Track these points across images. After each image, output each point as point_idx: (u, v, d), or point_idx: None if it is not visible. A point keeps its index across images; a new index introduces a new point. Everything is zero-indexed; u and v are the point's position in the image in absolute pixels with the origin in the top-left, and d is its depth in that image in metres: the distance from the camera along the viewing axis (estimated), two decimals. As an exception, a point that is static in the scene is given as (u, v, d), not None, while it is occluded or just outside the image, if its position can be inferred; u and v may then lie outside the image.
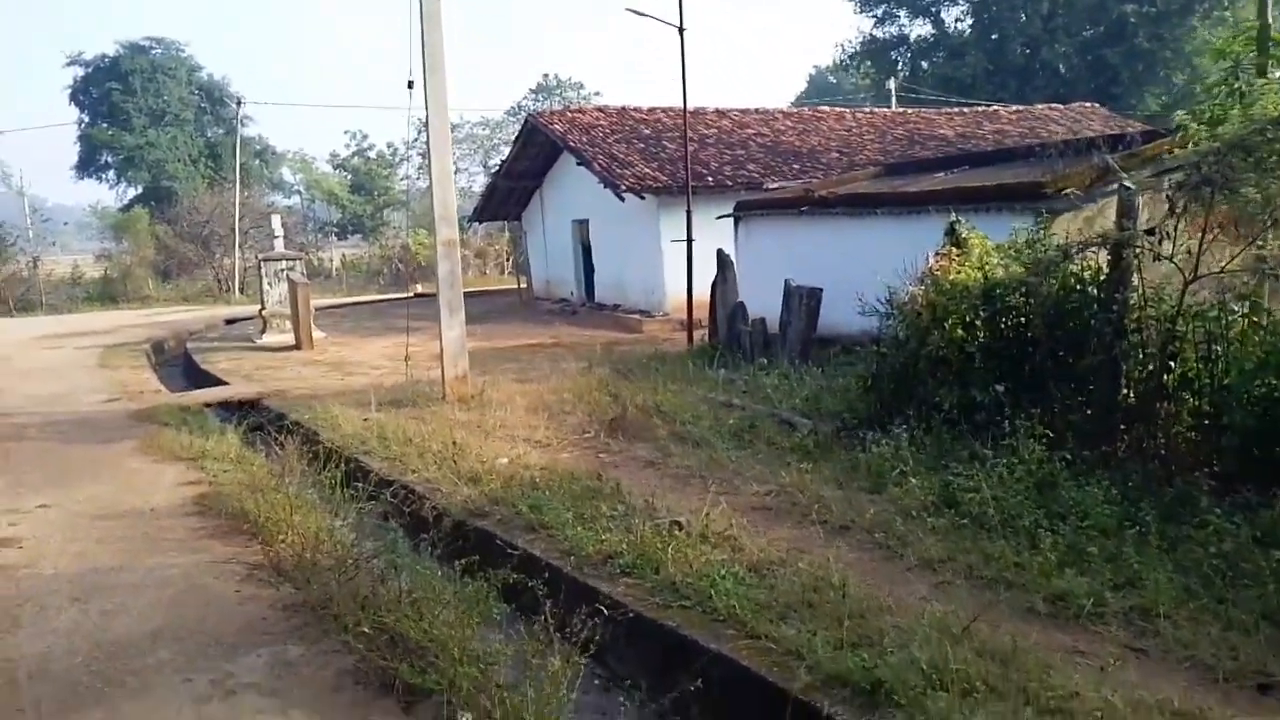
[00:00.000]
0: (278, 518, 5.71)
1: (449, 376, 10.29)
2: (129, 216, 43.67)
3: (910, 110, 28.22)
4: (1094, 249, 6.71)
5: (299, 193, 60.63)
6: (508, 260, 39.66)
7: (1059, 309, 6.78)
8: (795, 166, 21.02)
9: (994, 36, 44.98)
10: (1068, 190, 8.75)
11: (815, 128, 24.46)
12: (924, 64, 48.09)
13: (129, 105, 49.19)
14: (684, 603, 4.58)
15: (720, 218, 15.44)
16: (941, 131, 25.41)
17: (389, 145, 61.04)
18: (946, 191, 11.20)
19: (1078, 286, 6.70)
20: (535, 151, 23.85)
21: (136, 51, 50.57)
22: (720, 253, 13.05)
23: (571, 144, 20.71)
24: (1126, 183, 6.51)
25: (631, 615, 4.53)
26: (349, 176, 58.25)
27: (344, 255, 48.40)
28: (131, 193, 51.39)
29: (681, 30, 14.11)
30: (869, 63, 49.38)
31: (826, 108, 27.12)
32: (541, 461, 7.33)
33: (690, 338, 14.69)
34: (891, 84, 40.17)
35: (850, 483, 6.28)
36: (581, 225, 23.52)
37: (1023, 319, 7.05)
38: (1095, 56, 41.92)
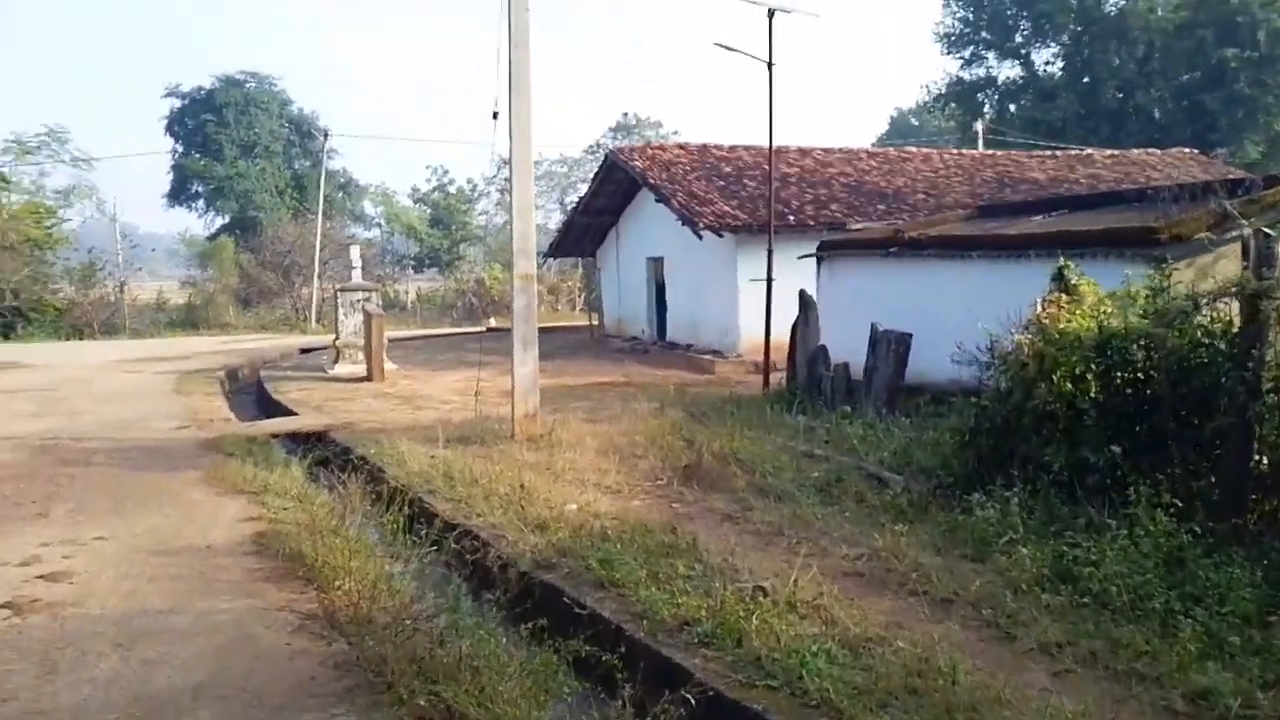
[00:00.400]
0: (336, 563, 5.39)
1: (519, 414, 9.97)
2: (215, 245, 44.85)
3: (999, 152, 27.45)
4: (1225, 300, 6.09)
5: (379, 225, 61.73)
6: (579, 296, 39.63)
7: (1184, 365, 6.16)
8: (880, 207, 20.46)
9: (1085, 80, 43.89)
10: (1201, 235, 8.09)
11: (901, 168, 23.89)
12: (1012, 106, 47.16)
13: (221, 137, 50.79)
14: (770, 682, 4.09)
15: (802, 257, 14.97)
16: (1033, 174, 24.61)
17: (469, 181, 61.85)
18: (1049, 235, 10.58)
19: (1206, 340, 6.08)
20: (614, 188, 23.72)
21: (231, 85, 52.30)
22: (803, 293, 12.58)
23: (651, 180, 20.49)
24: (1267, 229, 5.90)
25: (710, 693, 4.06)
26: (428, 211, 59.12)
27: (419, 288, 48.98)
28: (219, 222, 52.90)
29: (770, 65, 13.79)
30: (954, 105, 48.59)
31: (913, 148, 26.55)
32: (612, 510, 6.92)
33: (766, 381, 14.20)
34: (979, 126, 39.32)
35: (951, 549, 5.72)
36: (656, 263, 23.25)
37: (1141, 374, 6.44)
38: (1192, 101, 40.53)
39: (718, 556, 5.59)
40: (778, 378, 14.72)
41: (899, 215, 19.90)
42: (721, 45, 14.60)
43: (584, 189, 67.48)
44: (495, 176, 63.44)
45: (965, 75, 48.03)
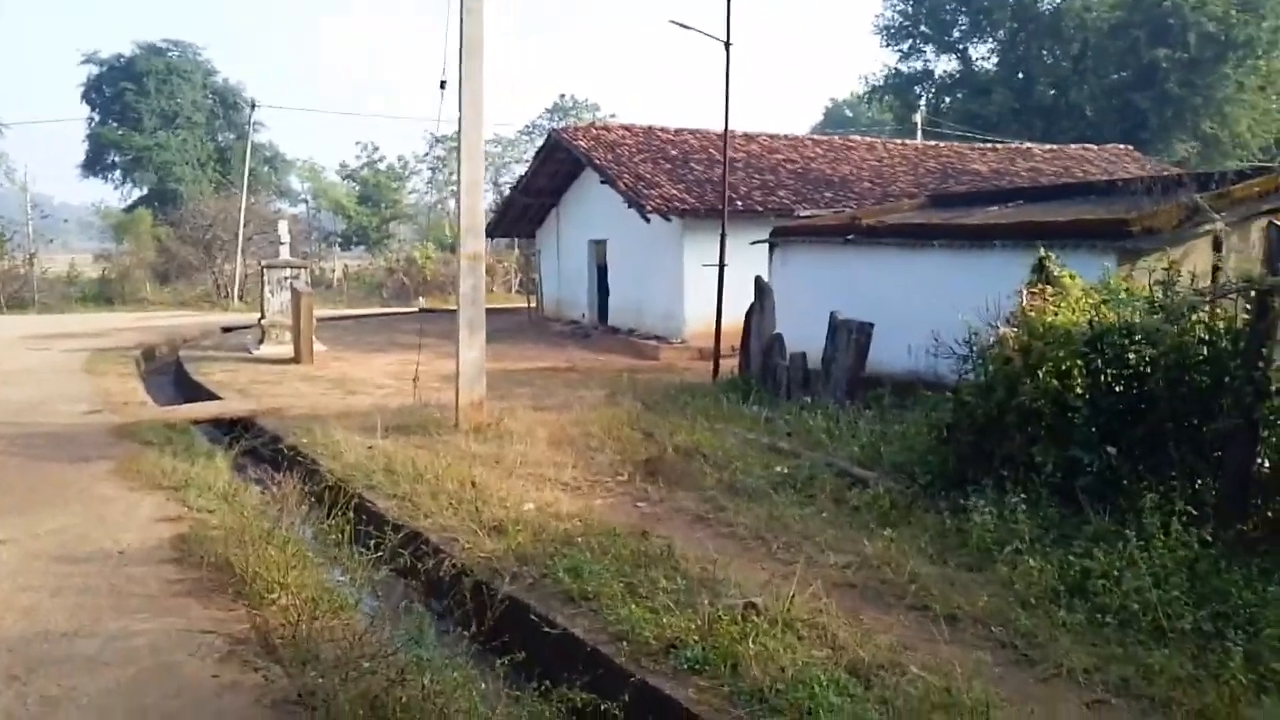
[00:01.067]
0: (269, 574, 4.75)
1: (464, 402, 9.34)
2: (132, 217, 42.88)
3: (941, 144, 27.45)
4: (1232, 295, 5.79)
5: (305, 201, 59.75)
6: (515, 278, 38.79)
7: (1184, 362, 5.85)
8: (827, 194, 20.17)
9: (1020, 75, 44.44)
10: (1208, 226, 7.83)
11: (846, 156, 23.66)
12: (947, 100, 47.53)
13: (141, 106, 48.57)
14: (777, 720, 3.61)
15: (755, 243, 14.54)
16: (974, 166, 24.64)
17: (400, 158, 60.39)
18: (1015, 225, 10.31)
19: (1208, 337, 5.78)
20: (555, 168, 23.04)
21: (153, 53, 50.02)
22: (759, 280, 12.15)
23: (596, 161, 19.87)
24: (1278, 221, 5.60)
25: (708, 731, 3.56)
26: (357, 187, 57.43)
27: (346, 266, 47.51)
28: (136, 194, 50.67)
29: (728, 46, 13.28)
30: (892, 96, 48.81)
31: (857, 137, 26.36)
32: (573, 509, 6.38)
33: (716, 369, 13.76)
34: (918, 118, 39.46)
35: (947, 557, 5.32)
36: (599, 245, 22.66)
37: (1135, 371, 6.12)
38: (1123, 100, 41.25)
39: (696, 565, 5.10)
40: (727, 365, 14.32)
41: (846, 203, 19.64)
42: (677, 23, 14.07)
43: (519, 170, 66.29)
44: (428, 154, 62.09)
45: (903, 68, 48.32)
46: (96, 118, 50.20)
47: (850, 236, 12.35)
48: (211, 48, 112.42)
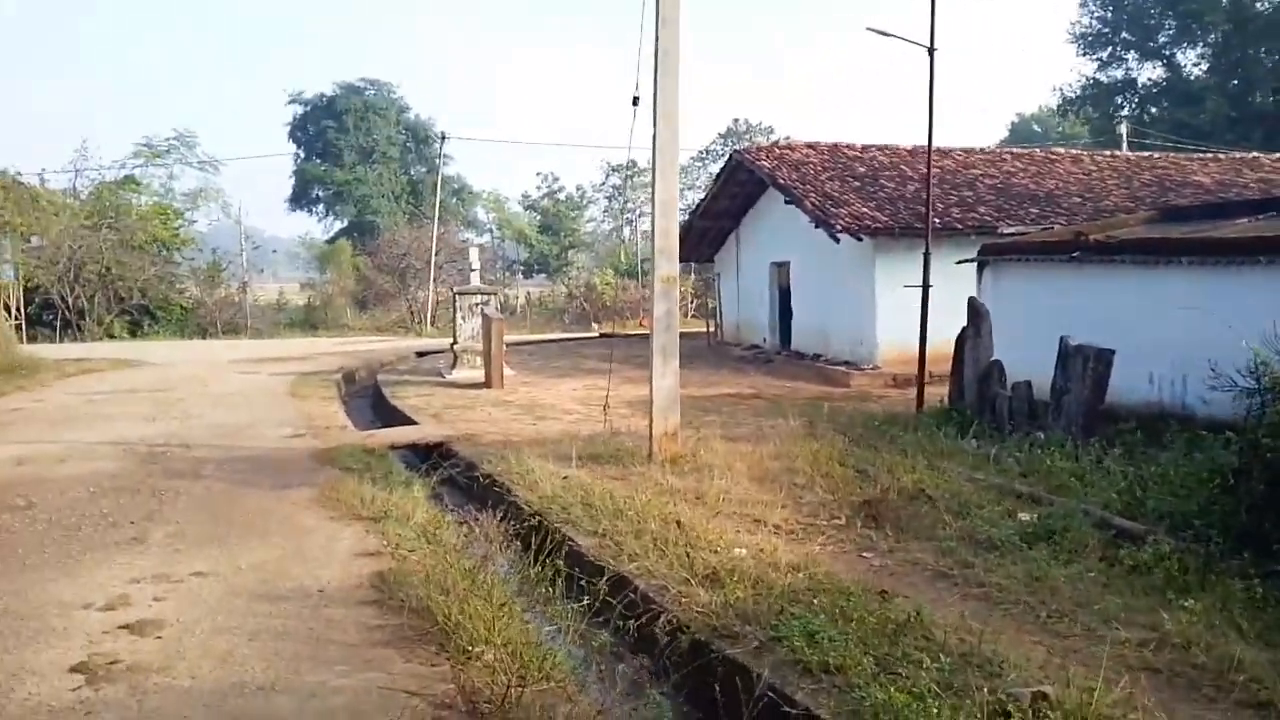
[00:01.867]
0: (473, 626, 4.35)
1: (657, 432, 8.86)
2: (334, 248, 45.42)
3: (1155, 154, 25.20)
4: None
5: (490, 231, 61.90)
6: (691, 303, 38.47)
7: None
8: (1033, 210, 18.73)
9: (1235, 82, 40.72)
10: None
11: (1050, 170, 22.03)
12: (1152, 110, 44.12)
13: (341, 143, 51.65)
14: None
15: (961, 262, 13.51)
16: (1196, 179, 22.40)
17: (578, 188, 61.77)
18: (1290, 237, 8.96)
19: None
20: (736, 190, 22.54)
21: (351, 92, 53.15)
22: (973, 301, 11.15)
23: (781, 180, 19.22)
24: None
25: None
26: (538, 217, 59.04)
27: (529, 293, 48.67)
28: (338, 225, 53.85)
29: (932, 51, 12.38)
30: (1090, 108, 45.74)
31: (1060, 149, 24.57)
32: (792, 557, 5.72)
33: (921, 398, 12.75)
34: (1123, 129, 36.62)
35: (1269, 636, 4.34)
36: (781, 268, 21.94)
37: None
38: (1362, 102, 37.06)
39: (954, 635, 4.34)
40: (932, 394, 13.30)
41: (1054, 219, 18.17)
42: (876, 30, 13.27)
43: (692, 196, 66.43)
44: (604, 183, 63.38)
45: (1101, 77, 45.17)
46: (301, 154, 53.71)
47: (1076, 254, 11.16)
48: (403, 85, 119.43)
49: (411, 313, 37.32)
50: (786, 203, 18.94)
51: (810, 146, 21.72)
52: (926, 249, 12.87)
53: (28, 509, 7.34)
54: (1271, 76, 38.61)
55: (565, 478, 8.19)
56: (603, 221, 68.36)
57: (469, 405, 13.62)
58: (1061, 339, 9.78)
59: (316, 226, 56.92)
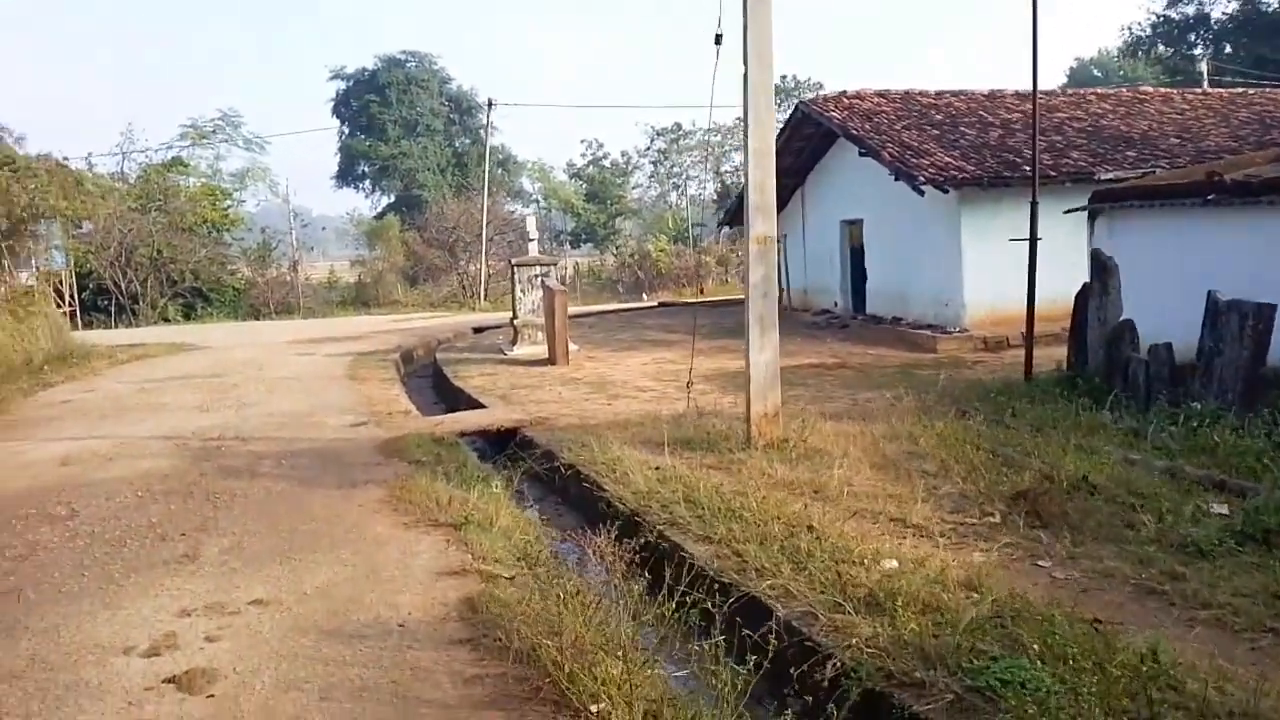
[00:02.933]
0: (591, 680, 3.47)
1: (756, 413, 7.91)
2: (382, 224, 44.93)
3: (1251, 90, 23.43)
4: None
5: (537, 201, 61.14)
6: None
7: None
8: (1130, 154, 17.32)
9: (1323, 11, 38.24)
10: None
11: (1140, 110, 20.48)
12: (1228, 46, 41.65)
13: (385, 117, 51.03)
14: None
15: (1070, 211, 12.31)
16: (1301, 113, 20.71)
17: (623, 153, 60.60)
18: None
19: None
20: (801, 145, 21.28)
21: (393, 65, 52.44)
22: (1098, 254, 9.98)
23: (854, 131, 18.00)
24: None
25: None
26: (584, 186, 58.07)
27: (577, 263, 47.85)
28: (385, 201, 53.37)
29: (1036, -26, 11.10)
30: (1164, 46, 43.37)
31: (1148, 88, 22.93)
32: (957, 570, 4.76)
33: (1029, 364, 11.62)
34: (1204, 66, 34.51)
35: None
36: (852, 226, 20.74)
37: None
38: None
39: (1208, 683, 3.36)
40: (1055, 359, 12.21)
41: (1155, 163, 16.78)
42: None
43: (738, 159, 64.66)
44: (649, 148, 62.07)
45: (1172, 14, 42.77)
46: (346, 130, 53.18)
47: (1212, 196, 9.91)
48: (444, 56, 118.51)
49: (464, 287, 36.65)
50: (861, 155, 17.71)
51: (881, 95, 20.42)
52: (1034, 198, 11.65)
53: (69, 519, 6.62)
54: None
55: (658, 468, 7.29)
56: (649, 187, 67.22)
57: (536, 384, 12.78)
58: (1210, 294, 8.62)
59: (364, 203, 56.60)
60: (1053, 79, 57.96)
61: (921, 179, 15.78)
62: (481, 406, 11.11)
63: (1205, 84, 35.02)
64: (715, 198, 62.78)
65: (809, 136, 20.77)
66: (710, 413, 9.58)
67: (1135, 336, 9.43)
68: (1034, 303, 11.73)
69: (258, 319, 31.62)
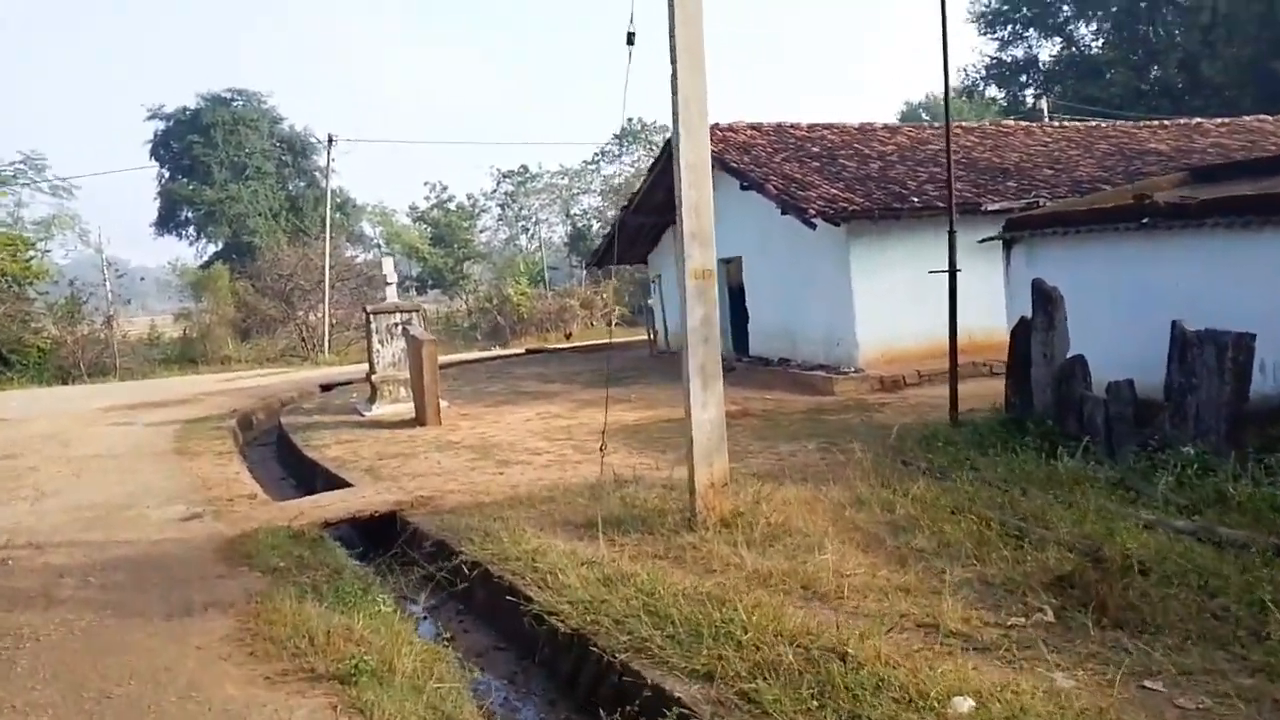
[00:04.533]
0: None
1: (701, 483, 6.52)
2: (209, 274, 41.51)
3: (1105, 124, 24.13)
4: None
5: (379, 246, 58.51)
6: (613, 311, 36.11)
7: None
8: (1010, 184, 17.09)
9: (1137, 54, 40.80)
10: None
11: (1007, 142, 20.55)
12: (1057, 87, 43.95)
13: (210, 159, 47.60)
14: None
15: (984, 241, 11.60)
16: (1153, 146, 21.29)
17: (469, 196, 58.86)
18: None
19: None
20: (673, 180, 20.28)
21: (218, 103, 49.10)
22: (1040, 284, 9.13)
23: (734, 164, 17.09)
24: None
25: None
26: (429, 229, 55.93)
27: (425, 309, 45.56)
28: (211, 249, 49.74)
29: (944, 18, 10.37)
30: (997, 86, 45.40)
31: (1010, 122, 23.23)
32: (1043, 703, 3.48)
33: (955, 406, 10.75)
34: (1044, 104, 35.99)
35: None
36: (729, 265, 19.79)
37: None
38: (1264, 71, 37.38)
39: None
40: (991, 401, 11.41)
41: (1036, 193, 16.56)
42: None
43: (589, 202, 63.67)
44: (495, 190, 60.60)
45: (1005, 56, 44.92)
46: (166, 173, 49.34)
47: (1147, 220, 9.29)
48: (275, 95, 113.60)
49: (303, 339, 33.91)
50: (743, 188, 16.81)
51: (754, 128, 19.69)
52: (951, 226, 10.87)
53: None
54: (1174, 48, 38.60)
55: (592, 563, 5.77)
56: (498, 230, 65.74)
57: (407, 451, 10.98)
58: (1175, 324, 7.86)
59: (188, 251, 52.62)
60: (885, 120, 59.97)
61: (811, 212, 14.94)
62: (345, 484, 9.27)
63: (1046, 119, 36.60)
64: (567, 240, 61.80)
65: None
66: (630, 480, 8.14)
67: (1087, 373, 8.60)
68: (956, 338, 10.93)
69: (66, 383, 27.98)
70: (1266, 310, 7.88)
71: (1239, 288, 8.32)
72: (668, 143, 20.04)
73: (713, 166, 18.00)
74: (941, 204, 15.79)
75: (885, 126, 21.39)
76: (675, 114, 6.43)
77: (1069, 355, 8.77)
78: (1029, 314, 9.75)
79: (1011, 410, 9.50)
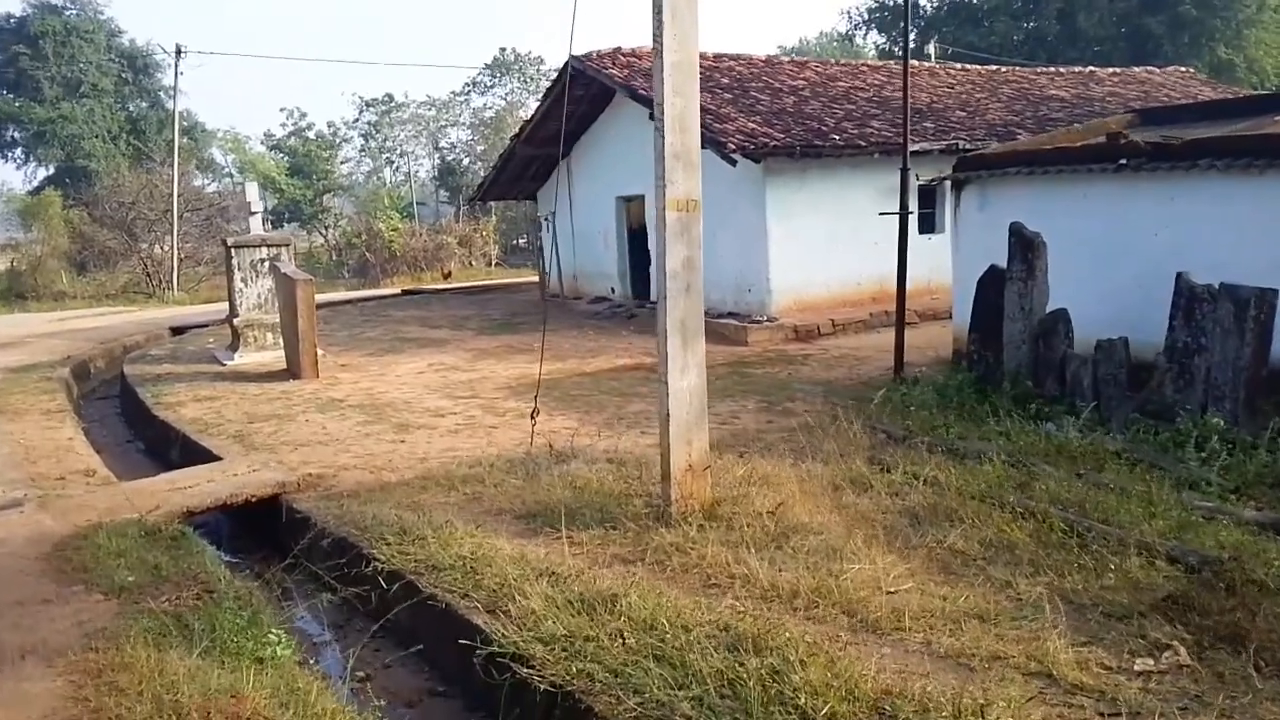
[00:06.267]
0: None
1: (678, 464, 5.27)
2: (39, 200, 37.28)
3: (1005, 69, 23.71)
4: None
5: (230, 175, 54.37)
6: (495, 249, 34.18)
7: None
8: (928, 125, 16.29)
9: (1016, 4, 41.08)
10: None
11: (914, 83, 19.68)
12: (936, 34, 43.95)
13: (39, 74, 42.66)
14: None
15: (938, 180, 10.66)
16: (1053, 92, 21.01)
17: (329, 124, 55.22)
18: None
19: None
20: (570, 109, 18.67)
21: (48, 12, 44.03)
22: (1018, 229, 8.16)
23: (642, 92, 15.65)
24: None
25: None
26: (286, 159, 52.18)
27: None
28: (42, 173, 44.97)
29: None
30: (878, 31, 45.11)
31: (916, 62, 22.44)
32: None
33: (900, 360, 9.86)
34: (931, 49, 35.71)
35: None
36: (630, 203, 18.54)
37: None
38: (1135, 25, 38.22)
39: None
40: (935, 355, 10.59)
41: (954, 136, 15.84)
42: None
43: (456, 135, 60.77)
44: (357, 120, 57.09)
45: (886, 0, 44.58)
46: (-12, 88, 44.06)
47: (1125, 161, 8.46)
48: (114, 5, 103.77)
49: (149, 274, 30.69)
50: (652, 118, 15.38)
51: (658, 56, 18.21)
52: (905, 162, 9.85)
53: None
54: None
55: (555, 577, 4.47)
56: (360, 162, 62.31)
57: (283, 412, 9.31)
58: (1179, 277, 7.04)
59: (15, 175, 47.51)
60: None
61: (731, 146, 13.73)
62: (209, 455, 7.58)
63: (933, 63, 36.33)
64: (435, 175, 58.87)
65: (578, 100, 18.21)
66: (566, 453, 6.83)
67: (1070, 329, 7.76)
68: (904, 285, 9.96)
69: None
70: (1275, 260, 7.15)
71: (1237, 234, 7.59)
72: (565, 65, 18.40)
73: (620, 94, 16.64)
74: (862, 143, 14.89)
75: (791, 60, 20.30)
76: (656, 20, 5.00)
77: (1053, 310, 7.89)
78: (983, 260, 8.88)
79: (976, 368, 8.61)
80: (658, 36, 5.04)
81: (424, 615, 4.53)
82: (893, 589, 4.16)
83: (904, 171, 9.80)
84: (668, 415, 5.25)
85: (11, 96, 43.60)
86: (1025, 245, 8.02)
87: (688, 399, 5.30)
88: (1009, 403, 7.69)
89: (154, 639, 3.90)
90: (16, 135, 44.65)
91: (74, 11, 45.19)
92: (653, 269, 16.94)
